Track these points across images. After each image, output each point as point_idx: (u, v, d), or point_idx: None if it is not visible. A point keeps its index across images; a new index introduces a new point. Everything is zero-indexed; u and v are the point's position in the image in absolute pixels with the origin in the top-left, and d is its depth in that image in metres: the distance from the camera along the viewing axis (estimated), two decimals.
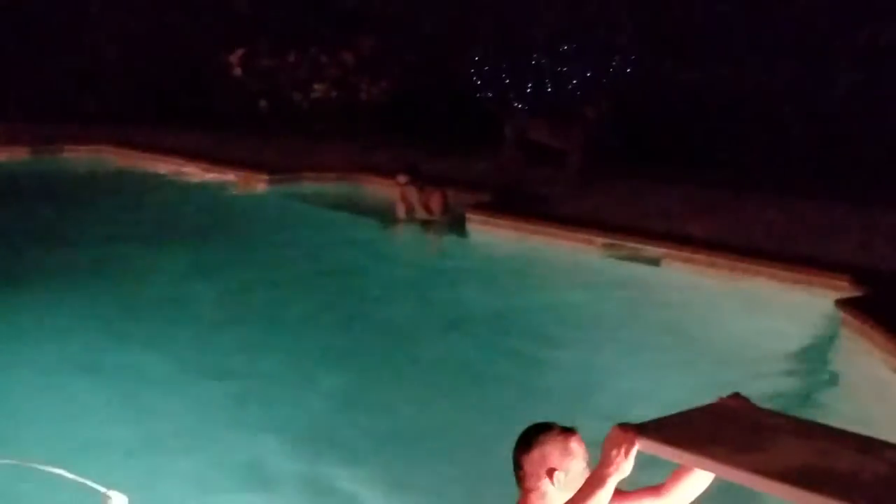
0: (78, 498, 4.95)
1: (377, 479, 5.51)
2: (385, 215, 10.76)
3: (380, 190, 11.66)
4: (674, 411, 3.75)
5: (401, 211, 10.65)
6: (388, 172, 11.09)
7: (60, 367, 7.00)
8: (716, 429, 3.59)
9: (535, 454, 3.77)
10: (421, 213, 10.53)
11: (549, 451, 3.76)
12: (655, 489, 3.95)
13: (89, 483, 5.05)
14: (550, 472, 3.76)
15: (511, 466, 3.83)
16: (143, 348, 7.53)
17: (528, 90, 15.38)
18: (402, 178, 10.53)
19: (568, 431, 3.81)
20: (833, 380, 6.73)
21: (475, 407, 6.41)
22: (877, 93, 12.28)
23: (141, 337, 7.78)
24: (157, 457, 5.72)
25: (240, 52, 16.95)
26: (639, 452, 3.53)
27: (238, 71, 17.03)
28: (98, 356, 7.34)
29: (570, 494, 3.69)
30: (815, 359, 7.07)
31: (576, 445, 3.74)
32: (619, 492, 3.69)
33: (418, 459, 5.67)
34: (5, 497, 5.21)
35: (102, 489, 5.03)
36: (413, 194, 10.51)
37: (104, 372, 6.96)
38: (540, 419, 4.07)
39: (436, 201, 10.42)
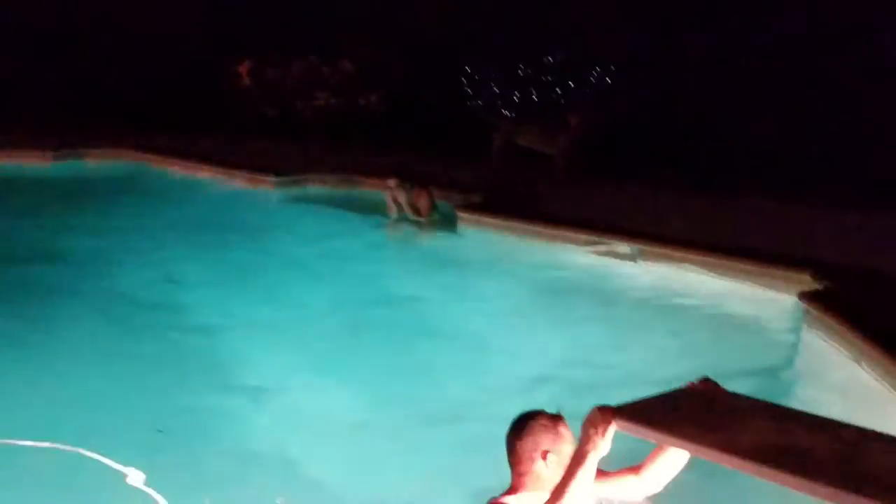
0: (98, 476, 5.09)
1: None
2: (380, 214, 10.82)
3: (376, 191, 11.66)
4: (647, 394, 3.83)
5: (391, 210, 10.73)
6: (380, 176, 11.15)
7: (89, 349, 7.11)
8: (686, 410, 3.66)
9: (528, 440, 3.84)
10: (409, 213, 10.59)
11: (541, 436, 3.83)
12: (634, 469, 4.03)
13: (107, 461, 5.12)
14: (544, 455, 3.83)
15: (505, 451, 3.92)
16: (172, 320, 7.87)
17: (517, 99, 15.43)
18: (391, 182, 10.66)
19: (556, 417, 3.88)
20: (794, 365, 6.78)
21: (467, 372, 6.53)
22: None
23: (170, 308, 8.21)
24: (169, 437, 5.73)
25: (247, 63, 16.98)
26: (617, 433, 3.61)
27: (246, 81, 17.05)
28: (130, 332, 7.59)
29: (557, 476, 3.75)
30: (775, 344, 7.10)
31: (564, 430, 3.82)
32: (601, 471, 3.76)
33: (427, 430, 5.79)
34: (29, 477, 5.20)
35: (120, 467, 5.10)
36: (402, 196, 10.60)
37: (128, 352, 7.10)
38: (525, 394, 4.14)
39: (423, 202, 10.49)
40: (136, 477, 5.08)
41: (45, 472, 5.23)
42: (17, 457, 5.33)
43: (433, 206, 10.52)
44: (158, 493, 4.93)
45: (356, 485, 5.20)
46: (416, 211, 10.49)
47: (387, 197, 10.76)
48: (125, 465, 5.16)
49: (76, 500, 5.01)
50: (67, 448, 5.33)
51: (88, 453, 5.27)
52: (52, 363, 6.89)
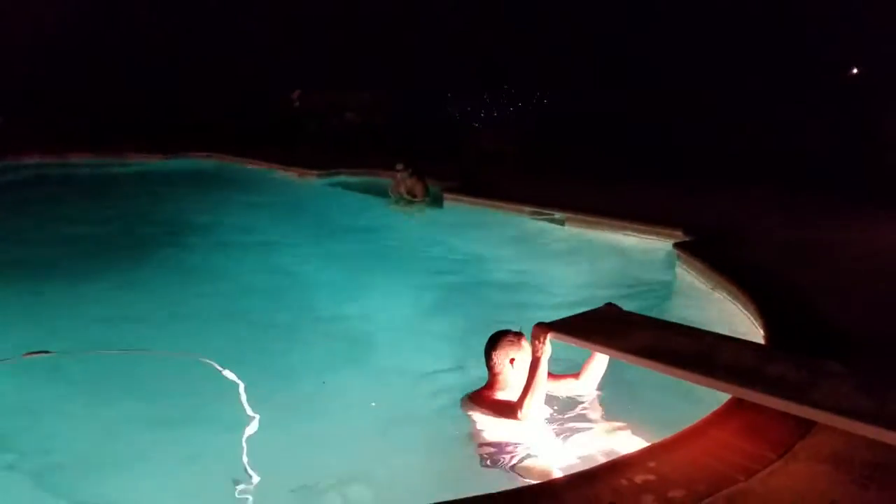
0: (199, 375, 4.99)
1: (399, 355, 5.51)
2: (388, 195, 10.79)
3: (387, 179, 11.61)
4: (571, 313, 3.90)
5: (394, 192, 10.55)
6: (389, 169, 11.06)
7: (189, 294, 7.03)
8: (597, 324, 3.75)
9: (500, 351, 3.94)
10: (406, 195, 10.48)
11: (509, 348, 3.93)
12: (575, 374, 4.13)
13: (210, 362, 5.02)
14: (511, 361, 3.91)
15: (483, 358, 4.00)
16: (260, 264, 8.03)
17: (482, 114, 15.43)
18: (399, 166, 10.48)
19: (518, 334, 3.97)
20: (671, 294, 6.78)
21: (446, 308, 6.42)
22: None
23: (256, 254, 8.42)
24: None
25: (298, 91, 16.88)
26: (555, 343, 3.69)
27: (297, 104, 16.95)
28: (232, 272, 7.70)
29: (521, 375, 3.84)
30: (659, 280, 7.11)
31: (524, 343, 3.91)
32: (552, 375, 3.84)
33: (421, 346, 5.69)
34: (133, 380, 5.06)
35: (219, 367, 4.99)
36: (405, 180, 10.44)
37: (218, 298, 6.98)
38: (494, 322, 4.21)
39: (419, 188, 10.42)
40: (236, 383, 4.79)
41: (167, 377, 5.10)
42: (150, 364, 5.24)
43: (427, 190, 10.46)
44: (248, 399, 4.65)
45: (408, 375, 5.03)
46: (413, 194, 10.43)
47: (393, 180, 10.58)
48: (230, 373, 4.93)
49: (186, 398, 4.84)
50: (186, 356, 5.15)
51: (202, 359, 5.04)
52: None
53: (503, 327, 4.05)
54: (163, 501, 3.68)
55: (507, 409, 3.77)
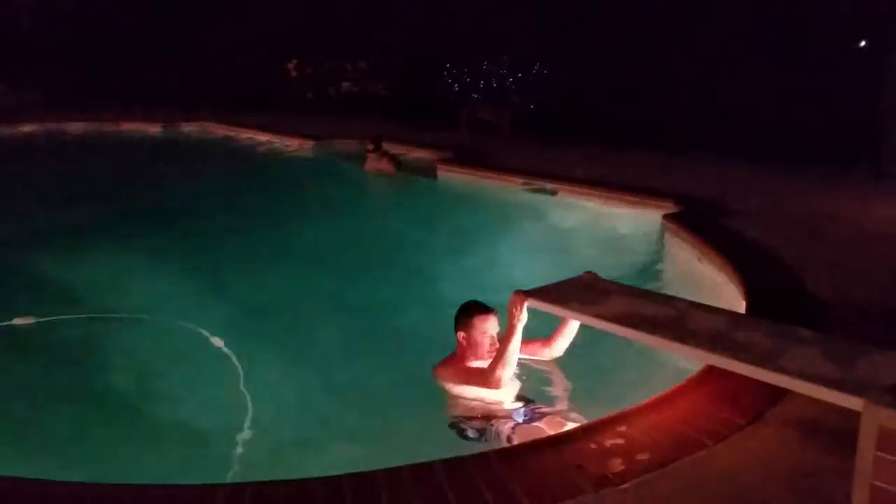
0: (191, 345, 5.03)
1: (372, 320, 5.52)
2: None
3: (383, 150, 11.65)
4: (552, 281, 3.88)
5: (368, 166, 10.54)
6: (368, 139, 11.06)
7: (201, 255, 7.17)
8: (574, 292, 3.72)
9: (470, 320, 3.94)
10: (379, 173, 10.47)
11: (479, 317, 3.92)
12: (545, 340, 4.13)
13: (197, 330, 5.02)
14: (480, 331, 3.91)
15: (453, 326, 4.00)
16: (255, 223, 8.25)
17: (479, 86, 15.29)
18: (369, 146, 10.53)
19: (489, 308, 3.97)
20: (658, 264, 6.78)
21: (431, 277, 6.42)
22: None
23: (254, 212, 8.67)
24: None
25: (294, 61, 16.73)
26: (531, 309, 3.68)
27: (293, 73, 16.81)
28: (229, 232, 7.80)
29: (488, 344, 3.84)
30: (647, 250, 7.11)
31: (493, 316, 3.91)
32: (526, 341, 3.84)
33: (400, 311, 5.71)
34: (118, 344, 5.05)
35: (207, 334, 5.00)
36: (373, 158, 10.45)
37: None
38: (479, 291, 4.20)
39: (384, 164, 10.37)
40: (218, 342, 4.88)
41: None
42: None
43: (397, 165, 10.37)
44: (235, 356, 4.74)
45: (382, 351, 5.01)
46: (380, 169, 10.38)
47: (366, 160, 10.59)
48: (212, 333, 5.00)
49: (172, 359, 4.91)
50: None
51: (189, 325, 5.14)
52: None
53: (473, 299, 4.05)
54: (155, 461, 3.67)
55: (479, 376, 3.78)
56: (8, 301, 5.64)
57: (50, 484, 2.70)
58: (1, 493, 2.63)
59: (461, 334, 3.93)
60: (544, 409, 3.77)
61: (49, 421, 3.97)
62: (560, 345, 4.12)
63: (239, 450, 3.66)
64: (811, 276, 5.32)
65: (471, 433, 3.63)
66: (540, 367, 4.20)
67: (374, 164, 10.45)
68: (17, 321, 5.22)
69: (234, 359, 4.65)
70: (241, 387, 4.31)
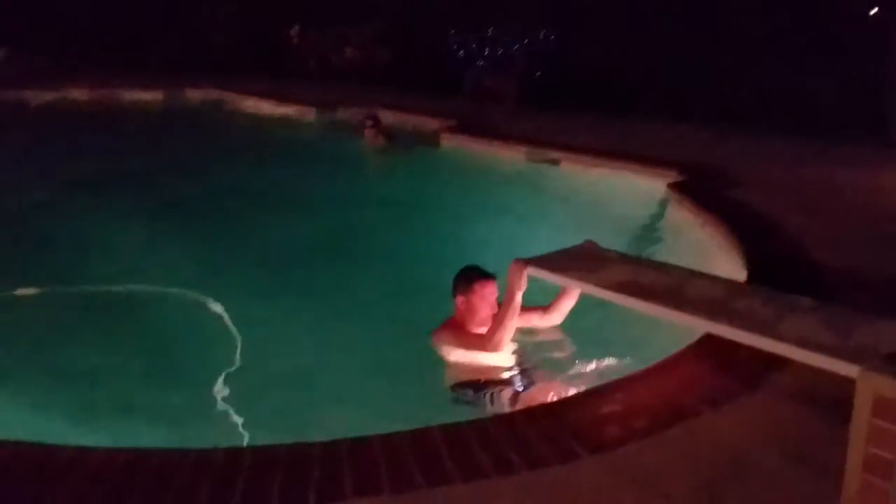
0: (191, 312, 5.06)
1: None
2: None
3: (385, 117, 11.54)
4: (555, 249, 3.88)
5: (367, 141, 10.47)
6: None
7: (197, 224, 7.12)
8: (575, 261, 3.73)
9: (468, 286, 3.95)
10: (376, 145, 10.44)
11: (479, 283, 3.93)
12: (544, 308, 4.13)
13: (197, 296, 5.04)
14: (479, 296, 3.93)
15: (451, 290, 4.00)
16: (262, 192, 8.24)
17: (485, 53, 15.13)
18: (368, 122, 10.48)
19: (488, 274, 3.98)
20: (662, 233, 6.74)
21: (433, 245, 6.41)
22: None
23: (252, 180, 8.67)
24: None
25: (296, 28, 16.56)
26: (531, 277, 3.69)
27: (295, 40, 16.65)
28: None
29: (486, 310, 3.85)
30: (651, 219, 7.06)
31: (491, 283, 3.92)
32: (525, 309, 3.85)
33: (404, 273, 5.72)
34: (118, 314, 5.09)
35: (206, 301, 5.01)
36: (371, 133, 10.39)
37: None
38: (481, 260, 4.20)
39: (381, 140, 10.33)
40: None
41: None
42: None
43: (390, 138, 10.34)
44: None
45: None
46: (376, 142, 10.33)
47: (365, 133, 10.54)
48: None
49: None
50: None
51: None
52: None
53: (473, 264, 4.06)
54: (153, 426, 3.70)
55: (477, 340, 3.80)
56: (9, 271, 5.66)
57: (48, 448, 2.74)
58: (2, 458, 2.67)
59: (460, 299, 3.94)
60: (543, 376, 3.79)
61: (45, 388, 4.01)
62: (559, 313, 4.13)
63: (238, 415, 3.70)
64: (815, 245, 5.31)
65: (470, 398, 3.66)
66: (540, 334, 4.21)
67: (369, 140, 10.44)
68: (19, 291, 5.25)
69: (232, 325, 4.69)
70: (240, 352, 4.34)
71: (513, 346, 3.95)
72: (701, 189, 6.91)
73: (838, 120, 9.76)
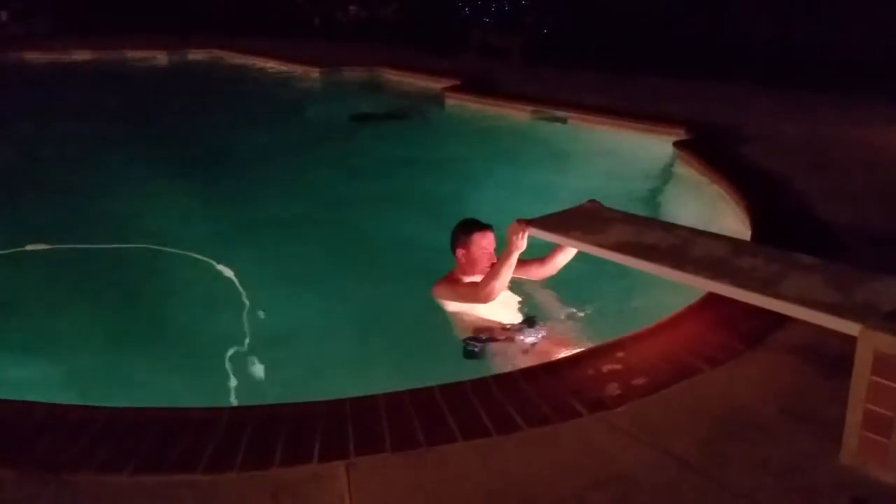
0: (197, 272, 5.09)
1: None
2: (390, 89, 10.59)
3: (390, 77, 11.44)
4: (560, 209, 3.86)
5: None
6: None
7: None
8: (576, 221, 3.72)
9: (466, 237, 3.94)
10: None
11: (478, 234, 3.93)
12: (541, 260, 4.12)
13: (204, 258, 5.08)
14: (478, 247, 3.92)
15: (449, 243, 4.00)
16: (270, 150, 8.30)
17: (491, 9, 14.92)
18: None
19: (487, 225, 3.97)
20: (668, 191, 6.69)
21: (438, 204, 6.37)
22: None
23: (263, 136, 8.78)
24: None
25: None
26: (530, 237, 3.68)
27: None
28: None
29: (485, 259, 3.86)
30: (658, 177, 7.02)
31: (489, 234, 3.91)
32: (521, 262, 3.85)
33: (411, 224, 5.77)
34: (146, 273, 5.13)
35: (214, 262, 5.05)
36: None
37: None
38: (481, 218, 4.18)
39: None
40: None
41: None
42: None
43: None
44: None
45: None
46: None
47: None
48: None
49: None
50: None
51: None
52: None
53: (472, 216, 4.05)
54: (162, 385, 3.74)
55: (470, 290, 3.82)
56: (18, 228, 5.70)
57: (56, 407, 2.78)
58: (12, 416, 2.72)
59: (460, 251, 3.95)
60: (548, 330, 3.81)
61: (54, 346, 4.06)
62: (555, 264, 4.11)
63: (245, 374, 3.75)
64: (823, 203, 5.26)
65: (474, 352, 3.69)
66: (545, 289, 4.22)
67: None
68: (29, 247, 5.29)
69: (239, 286, 4.71)
70: (247, 313, 4.37)
71: (518, 300, 3.97)
72: (708, 147, 6.86)
73: (848, 74, 9.61)
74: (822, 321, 2.61)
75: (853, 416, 2.45)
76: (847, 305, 2.63)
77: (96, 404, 2.82)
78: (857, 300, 2.68)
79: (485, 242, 3.91)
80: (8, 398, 2.81)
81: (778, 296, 2.74)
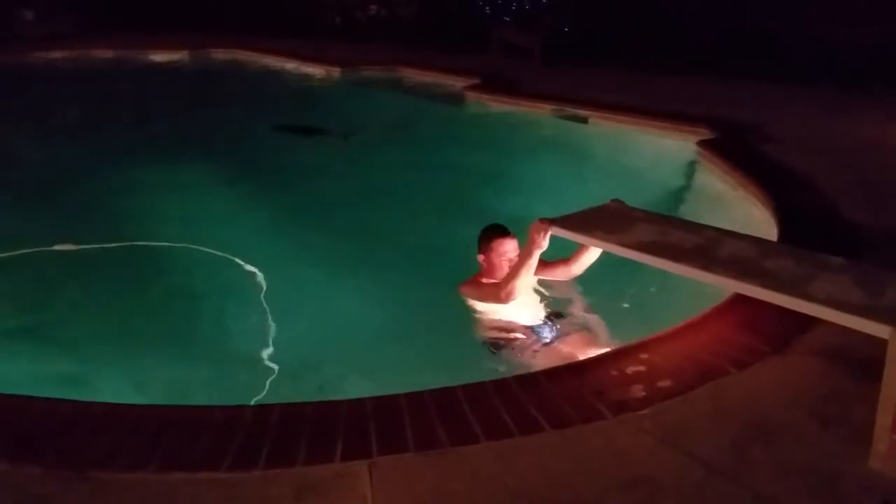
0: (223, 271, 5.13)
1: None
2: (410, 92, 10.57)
3: (411, 76, 11.44)
4: (585, 208, 3.84)
5: None
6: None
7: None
8: (599, 220, 3.69)
9: (493, 243, 3.95)
10: None
11: (497, 240, 3.93)
12: (566, 260, 4.10)
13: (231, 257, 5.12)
14: (499, 252, 3.93)
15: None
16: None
17: (511, 8, 14.90)
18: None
19: (508, 231, 3.97)
20: (691, 192, 6.63)
21: (460, 205, 6.35)
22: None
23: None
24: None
25: None
26: (553, 236, 3.66)
27: None
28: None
29: (505, 265, 3.86)
30: (680, 177, 6.95)
31: (510, 240, 3.92)
32: (543, 262, 3.84)
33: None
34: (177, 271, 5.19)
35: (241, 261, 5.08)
36: None
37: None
38: (502, 218, 4.17)
39: None
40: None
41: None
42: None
43: None
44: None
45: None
46: None
47: None
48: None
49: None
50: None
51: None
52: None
53: (494, 223, 4.06)
54: (185, 384, 3.76)
55: (492, 291, 3.82)
56: (45, 228, 5.77)
57: (81, 404, 2.81)
58: (38, 413, 2.75)
59: (481, 257, 3.97)
60: (570, 329, 3.80)
61: (78, 344, 4.10)
62: (581, 264, 4.09)
63: (267, 373, 3.76)
64: (848, 204, 5.20)
65: (499, 352, 3.69)
66: (568, 289, 4.21)
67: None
68: (57, 247, 5.36)
69: (266, 285, 4.73)
70: (270, 313, 4.40)
71: (541, 301, 3.96)
72: (731, 146, 6.79)
73: (873, 73, 9.48)
74: (851, 323, 2.58)
75: (883, 420, 2.41)
76: (877, 307, 2.60)
77: (122, 402, 2.84)
78: (887, 302, 2.64)
79: (504, 248, 3.91)
80: (34, 395, 2.83)
81: (807, 297, 2.71)
